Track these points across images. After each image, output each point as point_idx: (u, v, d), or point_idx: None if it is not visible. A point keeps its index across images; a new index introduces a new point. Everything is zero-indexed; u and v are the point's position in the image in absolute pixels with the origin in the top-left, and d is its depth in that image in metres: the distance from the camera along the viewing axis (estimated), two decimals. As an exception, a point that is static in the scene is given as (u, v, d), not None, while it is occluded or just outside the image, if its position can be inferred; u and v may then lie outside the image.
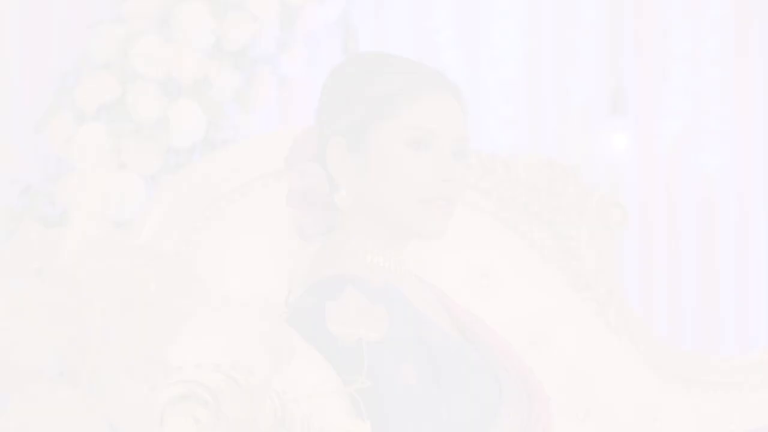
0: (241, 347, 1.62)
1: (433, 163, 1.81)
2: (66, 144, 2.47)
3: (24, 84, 2.77)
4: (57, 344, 1.63)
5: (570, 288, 2.60)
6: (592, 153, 3.27)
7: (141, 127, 2.48)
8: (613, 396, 2.52)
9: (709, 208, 3.30)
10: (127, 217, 2.44)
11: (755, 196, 3.29)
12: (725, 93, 3.27)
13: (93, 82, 2.46)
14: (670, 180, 3.27)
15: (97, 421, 1.56)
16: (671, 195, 3.27)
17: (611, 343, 2.59)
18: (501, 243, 2.51)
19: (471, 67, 3.13)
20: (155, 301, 1.68)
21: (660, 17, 3.24)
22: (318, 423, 1.64)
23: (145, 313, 1.67)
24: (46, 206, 2.50)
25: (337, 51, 2.96)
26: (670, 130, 3.27)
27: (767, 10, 3.27)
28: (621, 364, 2.57)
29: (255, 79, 2.58)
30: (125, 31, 2.50)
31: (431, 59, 3.00)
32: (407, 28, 3.11)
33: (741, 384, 2.57)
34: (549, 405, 1.91)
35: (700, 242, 3.30)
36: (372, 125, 1.82)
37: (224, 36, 2.51)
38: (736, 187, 3.29)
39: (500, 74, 3.10)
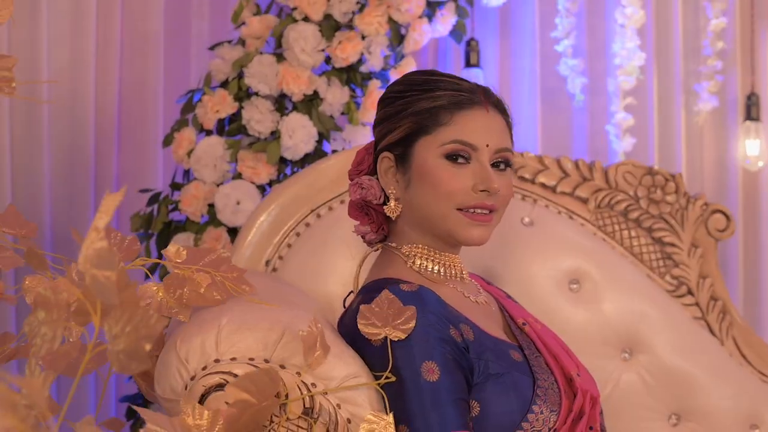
0: (274, 342, 1.77)
1: (470, 175, 1.91)
2: (188, 156, 2.70)
3: (156, 102, 3.02)
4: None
5: (670, 294, 2.63)
6: (721, 159, 3.27)
7: (255, 140, 2.68)
8: (713, 401, 2.53)
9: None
10: (240, 222, 2.63)
11: None
12: None
13: (213, 100, 2.68)
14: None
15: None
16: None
17: (713, 349, 2.61)
18: (596, 250, 2.57)
19: (591, 76, 3.19)
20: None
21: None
22: (345, 414, 1.78)
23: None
24: (172, 212, 2.73)
25: (458, 63, 3.10)
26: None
27: None
28: (723, 369, 2.58)
29: (364, 93, 2.72)
30: (242, 53, 2.70)
31: (552, 69, 3.11)
32: (529, 39, 3.20)
33: None
34: (597, 403, 1.97)
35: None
36: (415, 140, 1.93)
37: (333, 54, 2.67)
38: None
39: (620, 83, 3.14)
